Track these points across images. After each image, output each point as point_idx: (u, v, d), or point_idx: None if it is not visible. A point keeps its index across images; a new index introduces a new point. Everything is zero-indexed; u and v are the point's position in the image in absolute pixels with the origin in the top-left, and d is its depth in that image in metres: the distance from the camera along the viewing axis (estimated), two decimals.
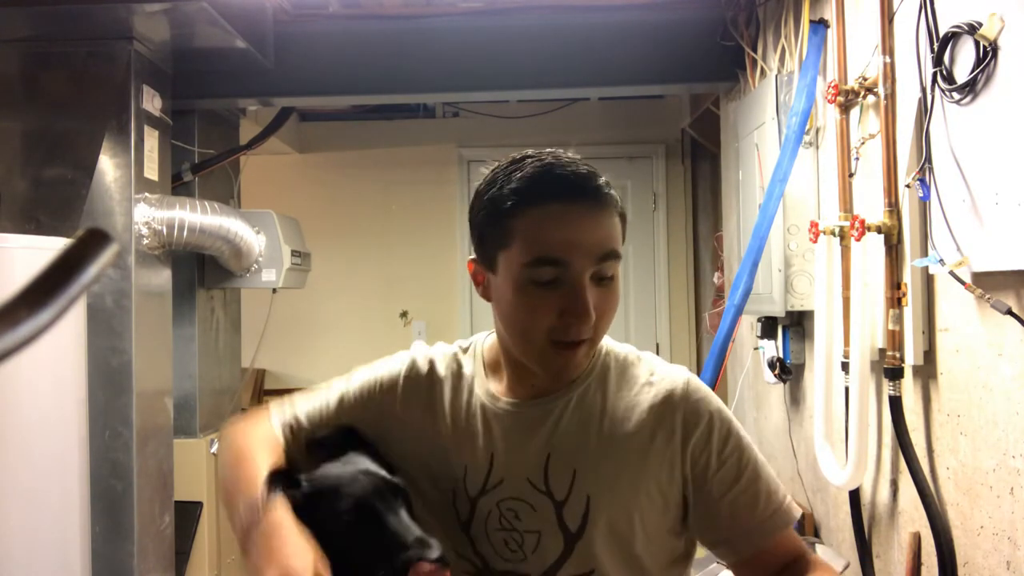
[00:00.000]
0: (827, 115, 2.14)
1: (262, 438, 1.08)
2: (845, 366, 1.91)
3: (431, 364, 1.12)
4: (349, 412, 1.11)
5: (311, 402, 1.13)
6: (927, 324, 1.67)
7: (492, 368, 1.10)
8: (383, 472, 0.99)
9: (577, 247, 0.94)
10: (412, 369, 1.12)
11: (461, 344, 1.15)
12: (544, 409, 1.03)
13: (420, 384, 1.11)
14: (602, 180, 0.98)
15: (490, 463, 1.03)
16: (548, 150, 0.99)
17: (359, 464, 1.00)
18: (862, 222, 1.78)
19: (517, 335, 1.00)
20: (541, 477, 1.01)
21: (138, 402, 2.52)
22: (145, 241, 2.59)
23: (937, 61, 1.52)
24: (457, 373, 1.11)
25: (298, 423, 1.11)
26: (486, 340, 1.13)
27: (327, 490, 0.97)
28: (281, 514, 0.92)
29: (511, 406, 1.05)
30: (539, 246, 0.94)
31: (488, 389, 1.08)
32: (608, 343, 1.09)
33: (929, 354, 1.67)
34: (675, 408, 1.02)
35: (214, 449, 3.09)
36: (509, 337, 1.02)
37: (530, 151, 1.00)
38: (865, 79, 1.88)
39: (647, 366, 1.08)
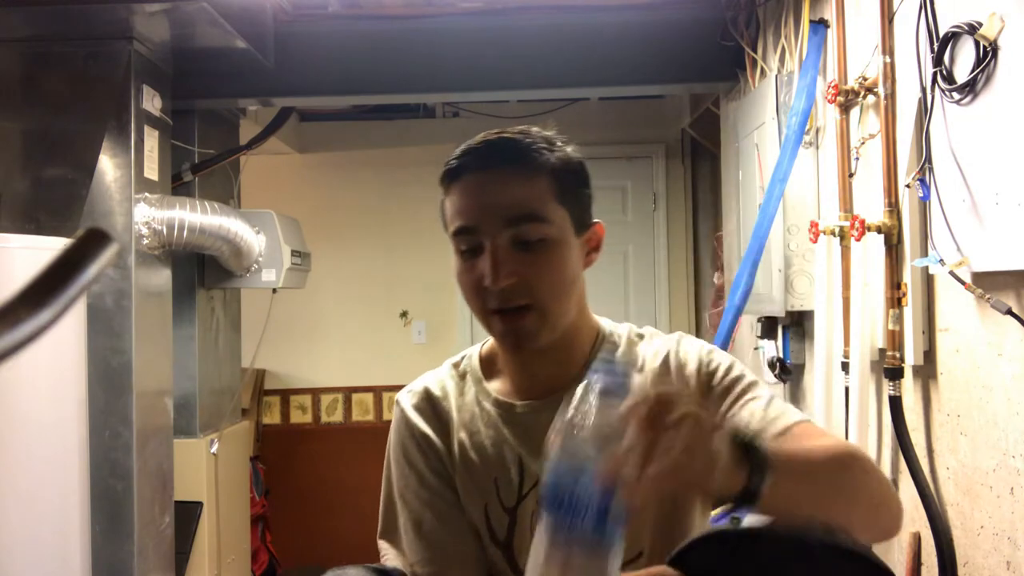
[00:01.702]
0: (827, 115, 2.14)
1: None
2: (845, 366, 1.91)
3: (427, 394, 1.09)
4: (438, 505, 1.04)
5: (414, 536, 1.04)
6: (927, 324, 1.67)
7: (491, 373, 1.09)
8: None
9: (485, 211, 0.96)
10: (412, 416, 1.08)
11: (452, 361, 1.13)
12: (558, 405, 1.04)
13: (429, 419, 1.07)
14: (525, 143, 0.99)
15: (520, 468, 1.02)
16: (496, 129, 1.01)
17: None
18: (862, 222, 1.78)
19: (471, 309, 1.01)
20: None
21: (138, 402, 2.52)
22: (145, 241, 2.59)
23: (937, 61, 1.52)
24: (458, 390, 1.08)
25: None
26: (481, 348, 1.12)
27: None
28: None
29: (526, 408, 1.04)
30: (456, 217, 0.99)
31: (495, 397, 1.06)
32: (608, 325, 1.09)
33: (929, 354, 1.67)
34: (672, 368, 1.03)
35: (214, 449, 3.09)
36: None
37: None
38: (865, 79, 1.88)
39: (647, 344, 1.07)
